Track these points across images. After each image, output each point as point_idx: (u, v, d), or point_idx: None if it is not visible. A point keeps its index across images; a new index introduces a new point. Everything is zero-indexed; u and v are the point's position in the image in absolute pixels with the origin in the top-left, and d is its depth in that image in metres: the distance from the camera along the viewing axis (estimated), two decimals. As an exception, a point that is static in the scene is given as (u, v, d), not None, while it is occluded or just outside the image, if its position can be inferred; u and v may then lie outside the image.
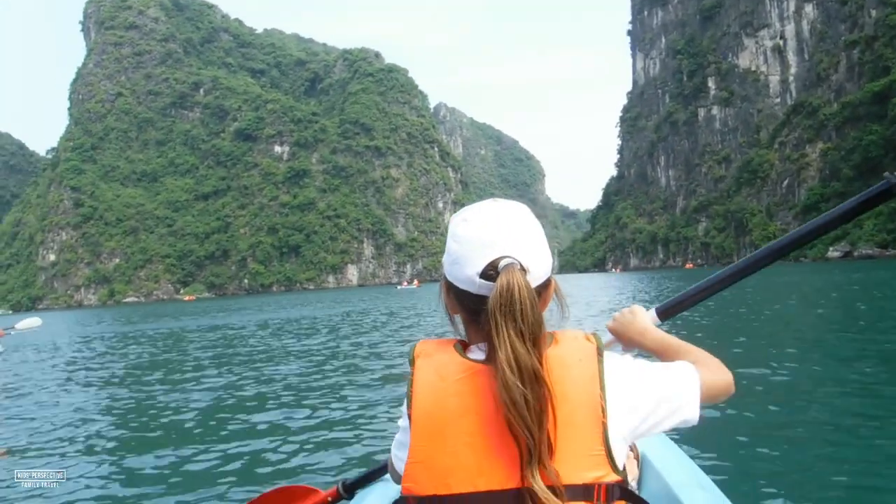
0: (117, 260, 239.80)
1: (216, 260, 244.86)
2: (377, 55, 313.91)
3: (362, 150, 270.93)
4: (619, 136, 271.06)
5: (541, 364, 1.15)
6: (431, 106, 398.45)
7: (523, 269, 1.22)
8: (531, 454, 1.13)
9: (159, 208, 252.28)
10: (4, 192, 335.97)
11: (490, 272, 1.22)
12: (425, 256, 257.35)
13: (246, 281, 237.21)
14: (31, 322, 21.51)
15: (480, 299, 1.24)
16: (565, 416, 1.18)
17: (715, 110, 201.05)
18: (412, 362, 1.29)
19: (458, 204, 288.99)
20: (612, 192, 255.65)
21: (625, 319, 1.62)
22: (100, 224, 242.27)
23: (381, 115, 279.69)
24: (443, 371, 1.25)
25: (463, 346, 1.31)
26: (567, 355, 1.25)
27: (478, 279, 1.24)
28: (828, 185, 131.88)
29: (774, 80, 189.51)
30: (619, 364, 1.29)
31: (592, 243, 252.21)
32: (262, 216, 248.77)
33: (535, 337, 1.16)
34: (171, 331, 25.20)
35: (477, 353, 1.28)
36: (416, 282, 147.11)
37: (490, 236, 1.25)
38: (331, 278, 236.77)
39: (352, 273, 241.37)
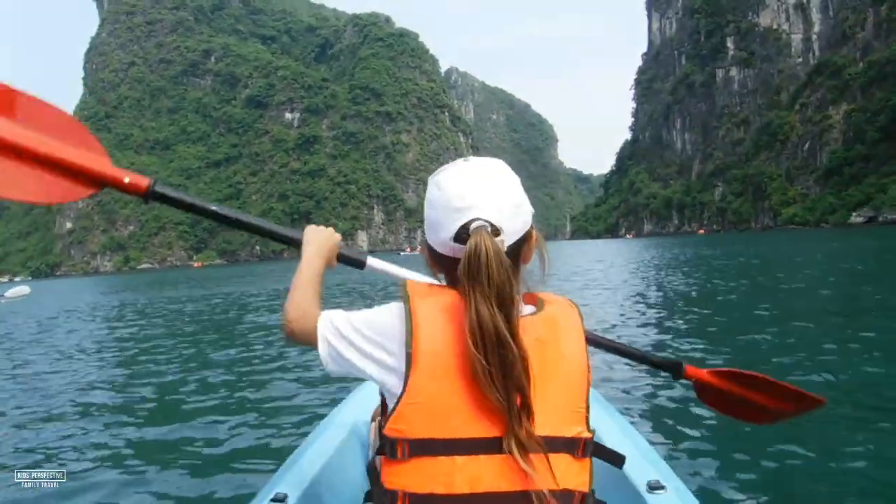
0: (132, 227, 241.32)
1: (228, 227, 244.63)
2: (387, 20, 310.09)
3: (372, 116, 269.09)
4: (633, 99, 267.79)
5: (508, 326, 1.17)
6: (443, 70, 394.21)
7: (496, 230, 1.23)
8: (512, 411, 1.16)
9: (172, 175, 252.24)
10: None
11: (463, 236, 1.24)
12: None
13: (258, 248, 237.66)
14: (19, 290, 20.78)
15: (456, 261, 1.26)
16: (562, 374, 1.24)
17: (733, 71, 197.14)
18: (406, 298, 1.27)
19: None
20: (626, 157, 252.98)
21: None
22: (115, 192, 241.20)
23: (391, 81, 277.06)
24: (447, 309, 1.24)
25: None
26: (560, 316, 1.30)
27: (451, 243, 1.26)
28: (851, 147, 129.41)
29: (797, 38, 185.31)
30: None
31: (605, 208, 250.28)
32: (273, 183, 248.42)
33: (501, 299, 1.17)
34: (152, 301, 24.27)
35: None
36: (419, 248, 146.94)
37: (460, 200, 1.26)
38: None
39: (362, 239, 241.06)
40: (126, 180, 1.72)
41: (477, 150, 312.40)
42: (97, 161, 1.72)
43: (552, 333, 1.25)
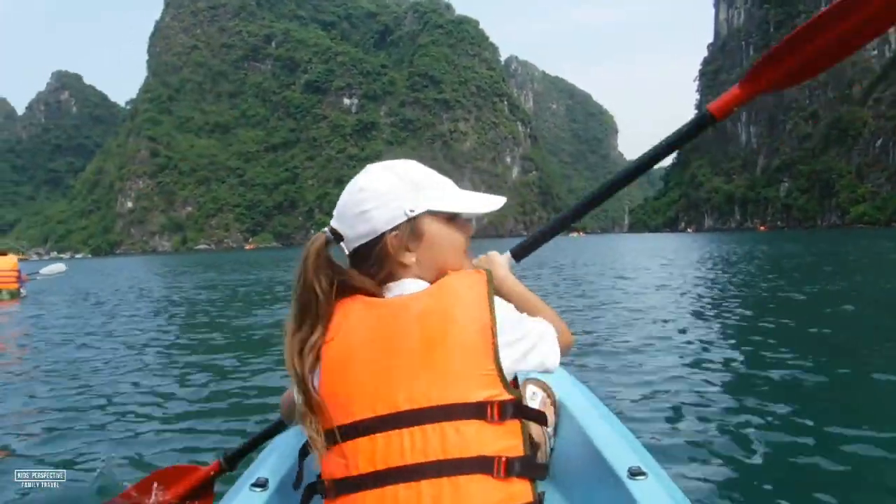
0: (190, 208, 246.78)
1: (284, 210, 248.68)
2: (448, 6, 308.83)
3: (430, 103, 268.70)
4: (697, 91, 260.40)
5: (305, 325, 1.31)
6: (502, 59, 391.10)
7: (339, 237, 1.37)
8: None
9: (231, 159, 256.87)
10: (88, 142, 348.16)
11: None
12: (491, 212, 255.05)
13: (312, 231, 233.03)
14: (55, 268, 20.42)
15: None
16: (456, 337, 1.24)
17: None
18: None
19: (526, 159, 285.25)
20: (688, 149, 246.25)
21: (482, 266, 1.63)
22: (174, 173, 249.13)
23: (450, 68, 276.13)
24: (346, 311, 1.33)
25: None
26: (457, 282, 1.32)
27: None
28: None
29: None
30: (501, 301, 1.35)
31: (665, 202, 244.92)
32: (330, 168, 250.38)
33: (306, 290, 1.31)
34: (194, 283, 23.83)
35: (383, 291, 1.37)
36: None
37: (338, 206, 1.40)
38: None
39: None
40: (211, 474, 2.39)
41: (535, 140, 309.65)
42: (193, 479, 2.43)
43: (439, 302, 1.28)
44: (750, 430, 4.00)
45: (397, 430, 1.21)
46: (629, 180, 1.78)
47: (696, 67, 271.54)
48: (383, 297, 1.35)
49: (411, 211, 1.38)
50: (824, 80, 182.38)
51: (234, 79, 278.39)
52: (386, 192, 1.37)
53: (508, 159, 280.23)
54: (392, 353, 1.24)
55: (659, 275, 18.80)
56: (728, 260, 24.64)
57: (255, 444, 2.27)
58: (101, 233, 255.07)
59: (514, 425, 1.23)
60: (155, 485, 2.51)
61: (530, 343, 1.35)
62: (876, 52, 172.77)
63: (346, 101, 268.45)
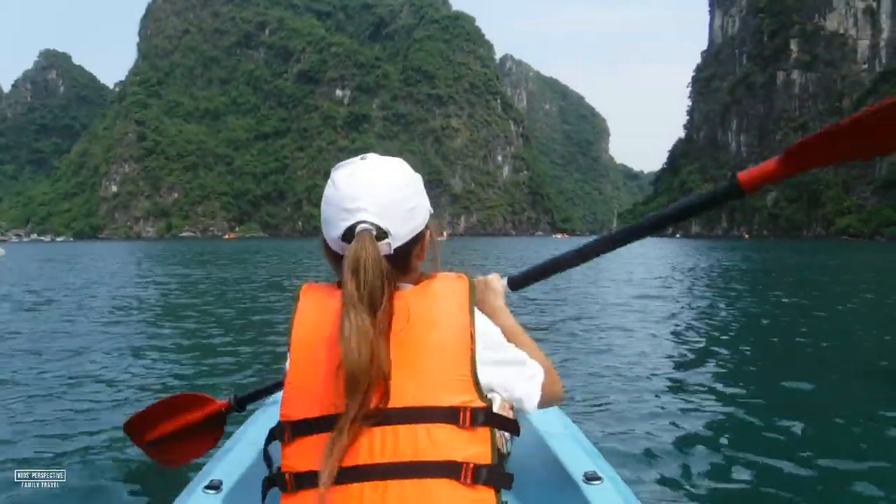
0: (176, 195, 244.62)
1: (272, 200, 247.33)
2: (444, 2, 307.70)
3: (423, 98, 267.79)
4: (689, 97, 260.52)
5: (374, 327, 1.19)
6: (497, 57, 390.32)
7: (382, 234, 1.26)
8: (353, 404, 1.17)
9: (220, 146, 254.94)
10: (75, 123, 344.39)
11: (349, 236, 1.27)
12: (480, 209, 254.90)
13: (300, 223, 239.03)
14: None
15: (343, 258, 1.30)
16: (434, 342, 1.24)
17: (795, 74, 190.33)
18: (296, 299, 1.35)
19: (517, 158, 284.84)
20: (679, 155, 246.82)
21: (478, 289, 1.63)
22: (161, 158, 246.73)
23: (444, 64, 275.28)
24: (322, 304, 1.31)
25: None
26: (438, 287, 1.31)
27: (339, 241, 1.30)
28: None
29: (863, 44, 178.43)
30: (487, 319, 1.38)
31: (654, 207, 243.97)
32: (320, 159, 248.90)
33: (372, 303, 1.19)
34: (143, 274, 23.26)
35: None
36: (444, 234, 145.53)
37: (349, 201, 1.28)
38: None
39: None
40: (223, 411, 2.58)
41: (527, 140, 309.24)
42: (203, 408, 2.61)
43: (425, 304, 1.27)
44: (703, 436, 4.05)
45: (367, 428, 1.19)
46: (641, 235, 1.68)
47: (689, 73, 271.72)
48: None
49: (430, 210, 1.39)
50: (814, 91, 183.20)
51: (225, 65, 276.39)
52: (421, 188, 1.37)
53: (500, 158, 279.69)
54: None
55: (634, 281, 18.93)
56: (710, 270, 24.49)
57: (270, 391, 2.30)
58: (84, 216, 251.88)
59: (483, 432, 1.23)
60: (169, 409, 2.69)
61: (514, 373, 1.36)
62: (866, 65, 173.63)
63: (339, 92, 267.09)
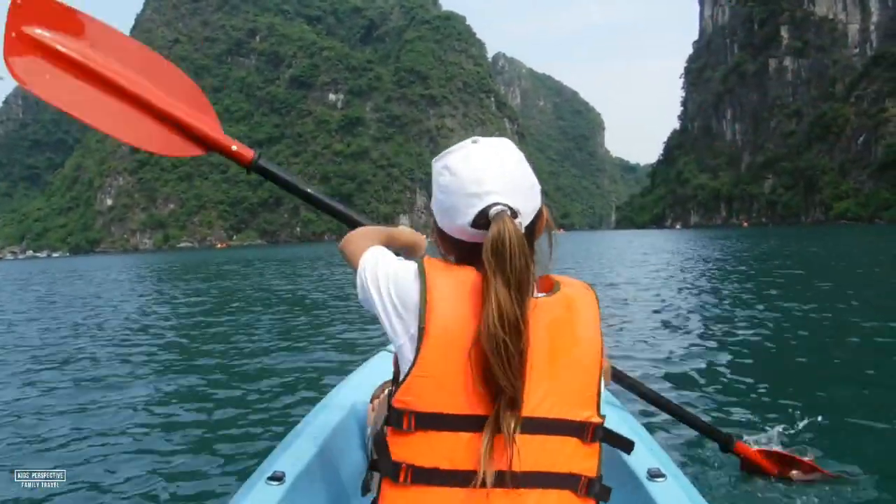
0: (172, 205, 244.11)
1: (269, 207, 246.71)
2: (434, 2, 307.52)
3: (417, 99, 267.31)
4: (682, 88, 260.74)
5: (522, 311, 1.16)
6: (490, 56, 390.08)
7: (514, 213, 1.21)
8: (510, 397, 1.14)
9: (214, 154, 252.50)
10: (68, 137, 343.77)
11: (481, 221, 1.21)
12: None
13: (298, 229, 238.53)
14: None
15: (474, 245, 1.24)
16: (575, 357, 1.22)
17: (787, 61, 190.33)
18: (421, 272, 1.25)
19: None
20: (674, 146, 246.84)
21: None
22: (156, 169, 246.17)
23: (436, 64, 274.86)
24: (463, 285, 1.23)
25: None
26: (577, 299, 1.28)
27: (470, 229, 1.24)
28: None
29: (853, 29, 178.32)
30: None
31: (651, 199, 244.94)
32: (316, 164, 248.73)
33: (520, 285, 1.16)
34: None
35: None
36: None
37: (474, 185, 1.23)
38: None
39: (403, 223, 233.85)
40: (233, 148, 2.08)
41: (522, 137, 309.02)
42: (211, 126, 2.08)
43: (567, 315, 1.24)
44: (767, 430, 3.96)
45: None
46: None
47: (682, 65, 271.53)
48: None
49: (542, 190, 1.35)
50: (807, 77, 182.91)
51: (217, 73, 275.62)
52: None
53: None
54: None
55: (655, 268, 18.22)
56: (734, 261, 23.94)
57: (289, 186, 2.13)
58: (80, 230, 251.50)
59: (597, 447, 1.24)
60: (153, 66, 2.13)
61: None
62: (858, 49, 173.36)
63: (332, 96, 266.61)
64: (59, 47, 1.89)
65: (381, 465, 1.23)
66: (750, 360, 6.50)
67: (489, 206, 1.21)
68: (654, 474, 1.71)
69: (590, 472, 1.22)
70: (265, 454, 2.01)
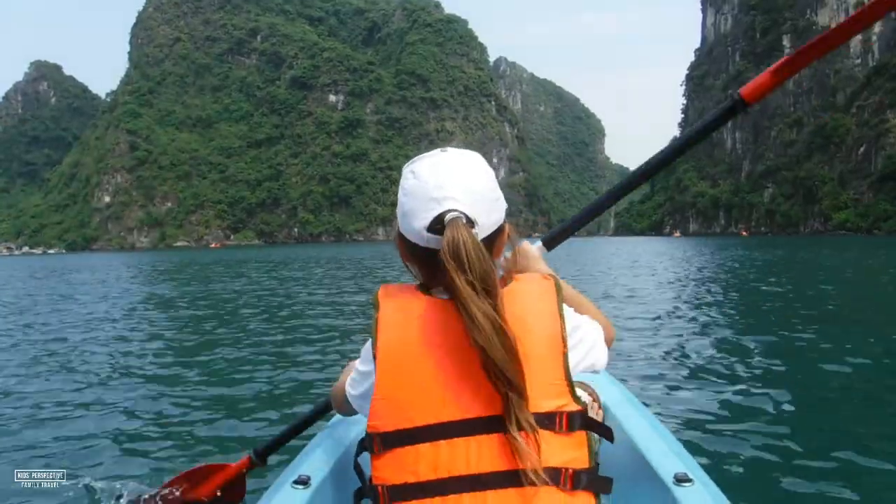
0: (169, 204, 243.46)
1: (267, 208, 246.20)
2: (437, 5, 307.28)
3: (417, 102, 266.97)
4: (684, 96, 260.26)
5: (496, 311, 1.16)
6: (491, 60, 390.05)
7: (470, 222, 1.23)
8: (514, 393, 1.14)
9: (213, 154, 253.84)
10: (66, 134, 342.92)
11: (437, 226, 1.23)
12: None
13: (296, 230, 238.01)
14: None
15: (431, 251, 1.25)
16: (528, 348, 1.20)
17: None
18: (376, 305, 1.30)
19: (513, 160, 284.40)
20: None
21: (519, 263, 1.61)
22: (154, 168, 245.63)
23: (438, 67, 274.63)
24: (407, 309, 1.27)
25: (426, 289, 1.32)
26: (527, 290, 1.29)
27: (425, 233, 1.26)
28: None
29: (855, 39, 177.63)
30: (568, 312, 1.34)
31: (650, 206, 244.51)
32: (315, 165, 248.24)
33: (486, 287, 1.16)
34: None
35: (440, 293, 1.28)
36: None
37: (436, 191, 1.25)
38: (380, 230, 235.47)
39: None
40: (235, 473, 2.44)
41: (522, 142, 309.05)
42: (220, 476, 2.49)
43: (515, 307, 1.24)
44: (796, 438, 3.96)
45: (464, 438, 1.18)
46: (657, 170, 1.83)
47: (683, 72, 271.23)
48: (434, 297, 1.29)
49: (506, 209, 1.37)
50: (808, 87, 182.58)
51: (217, 72, 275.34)
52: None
53: (495, 160, 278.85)
54: (462, 358, 1.20)
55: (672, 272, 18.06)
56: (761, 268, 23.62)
57: (288, 437, 2.24)
58: (76, 228, 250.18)
59: (580, 437, 1.23)
60: (185, 484, 2.53)
61: (586, 347, 1.35)
62: (859, 60, 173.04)
63: (332, 97, 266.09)
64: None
65: (367, 490, 1.28)
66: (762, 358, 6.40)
67: (446, 212, 1.23)
68: (680, 479, 1.70)
69: (575, 464, 1.20)
70: (291, 458, 2.05)
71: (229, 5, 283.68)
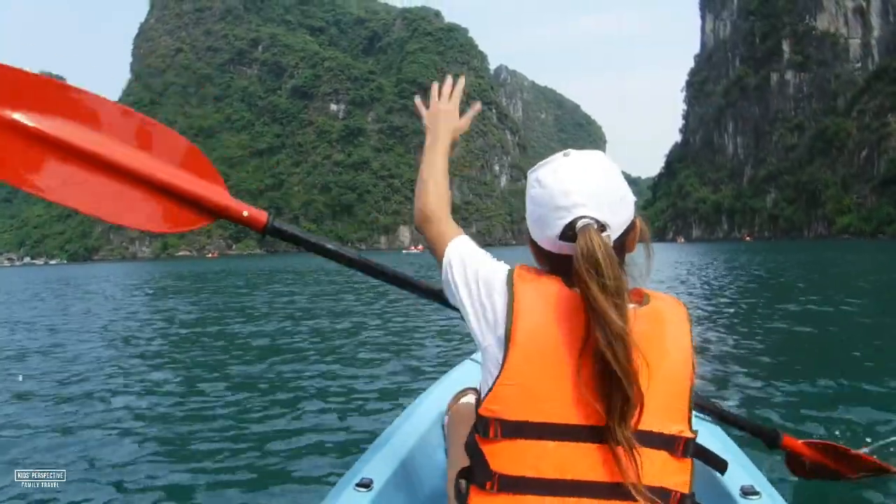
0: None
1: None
2: (437, 14, 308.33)
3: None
4: (684, 102, 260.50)
5: (623, 321, 1.14)
6: (492, 68, 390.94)
7: (601, 226, 1.22)
8: (627, 408, 1.14)
9: (215, 164, 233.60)
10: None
11: (569, 233, 1.23)
12: (479, 220, 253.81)
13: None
14: None
15: (565, 258, 1.25)
16: (665, 370, 1.21)
17: (788, 75, 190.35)
18: (510, 283, 1.27)
19: (514, 167, 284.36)
20: (676, 160, 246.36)
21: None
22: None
23: (438, 75, 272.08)
24: (549, 296, 1.24)
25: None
26: (667, 312, 1.28)
27: (558, 241, 1.26)
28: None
29: (855, 43, 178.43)
30: None
31: (653, 212, 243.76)
32: (316, 174, 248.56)
33: (618, 293, 1.15)
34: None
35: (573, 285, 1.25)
36: (419, 247, 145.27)
37: (562, 198, 1.24)
38: (382, 239, 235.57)
39: (404, 234, 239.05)
40: (245, 214, 1.82)
41: (524, 149, 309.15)
42: (217, 192, 1.82)
43: (657, 329, 1.24)
44: (868, 442, 3.75)
45: (590, 444, 1.17)
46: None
47: (683, 78, 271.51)
48: None
49: (635, 202, 1.35)
50: (809, 91, 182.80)
51: (219, 82, 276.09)
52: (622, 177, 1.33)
53: (497, 167, 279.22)
54: (586, 361, 1.18)
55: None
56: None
57: (307, 244, 1.92)
58: (78, 238, 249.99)
59: (688, 463, 1.23)
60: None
61: None
62: (860, 64, 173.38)
63: (333, 106, 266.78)
64: (35, 125, 1.57)
65: (471, 472, 1.25)
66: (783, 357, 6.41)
67: (577, 219, 1.22)
68: (747, 492, 1.69)
69: (682, 488, 1.21)
70: (352, 461, 1.99)
71: (230, 16, 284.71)
